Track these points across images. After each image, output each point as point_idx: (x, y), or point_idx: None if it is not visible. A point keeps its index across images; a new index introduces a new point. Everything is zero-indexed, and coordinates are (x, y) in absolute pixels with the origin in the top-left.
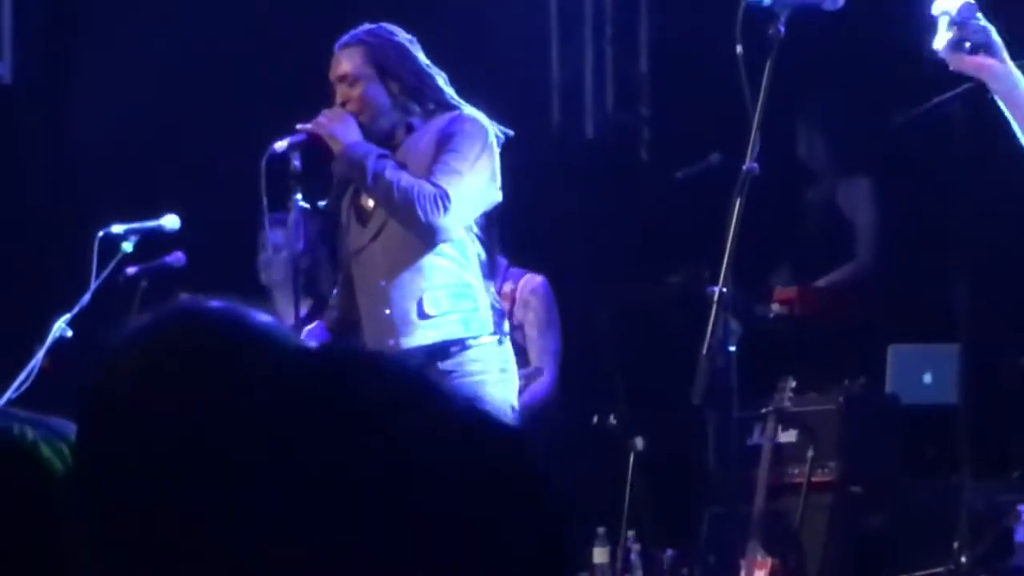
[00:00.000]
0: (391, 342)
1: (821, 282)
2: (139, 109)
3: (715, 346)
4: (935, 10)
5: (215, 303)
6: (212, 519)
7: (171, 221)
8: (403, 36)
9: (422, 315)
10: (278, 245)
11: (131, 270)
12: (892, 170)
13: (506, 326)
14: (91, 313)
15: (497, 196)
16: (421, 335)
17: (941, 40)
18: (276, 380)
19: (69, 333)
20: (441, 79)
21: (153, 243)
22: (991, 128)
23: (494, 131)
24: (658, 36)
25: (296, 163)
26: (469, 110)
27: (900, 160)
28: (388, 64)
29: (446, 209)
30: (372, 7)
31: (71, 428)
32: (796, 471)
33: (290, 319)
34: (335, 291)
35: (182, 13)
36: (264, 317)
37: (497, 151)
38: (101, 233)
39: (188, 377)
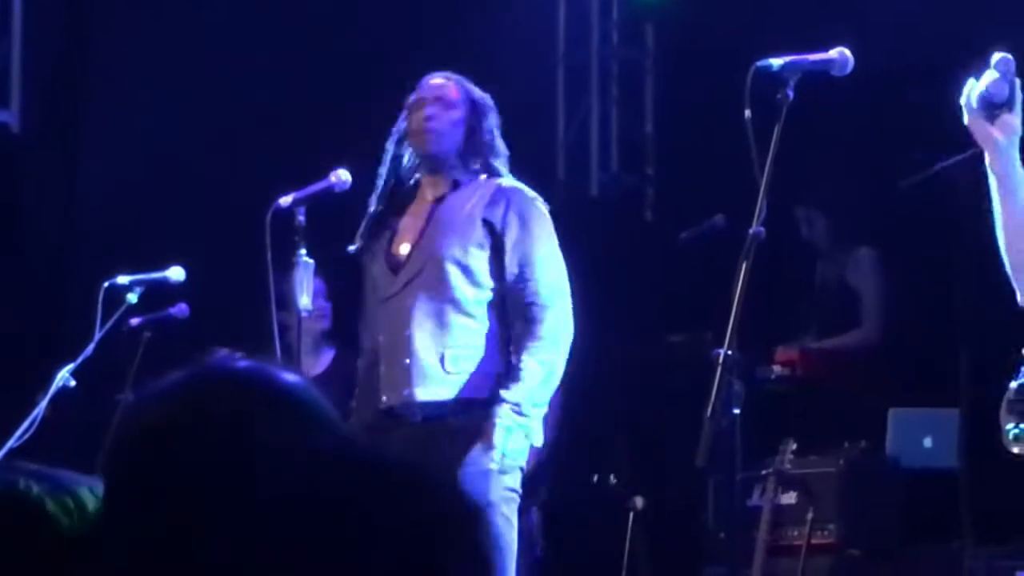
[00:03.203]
0: (405, 392)
1: (823, 344)
2: (146, 160)
3: (719, 408)
4: (993, 60)
5: (244, 363)
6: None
7: (176, 273)
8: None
9: (441, 371)
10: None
11: (135, 321)
12: (895, 236)
13: None
14: (95, 363)
15: None
16: (435, 391)
17: (973, 91)
18: (297, 444)
19: (72, 383)
20: (503, 151)
21: (158, 294)
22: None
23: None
24: (664, 97)
25: (301, 218)
26: (521, 185)
27: (903, 226)
28: (477, 115)
29: (568, 312)
30: (380, 73)
31: (77, 481)
32: (795, 533)
33: (312, 370)
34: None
35: (190, 64)
36: (292, 377)
37: None
38: (106, 283)
39: (212, 437)
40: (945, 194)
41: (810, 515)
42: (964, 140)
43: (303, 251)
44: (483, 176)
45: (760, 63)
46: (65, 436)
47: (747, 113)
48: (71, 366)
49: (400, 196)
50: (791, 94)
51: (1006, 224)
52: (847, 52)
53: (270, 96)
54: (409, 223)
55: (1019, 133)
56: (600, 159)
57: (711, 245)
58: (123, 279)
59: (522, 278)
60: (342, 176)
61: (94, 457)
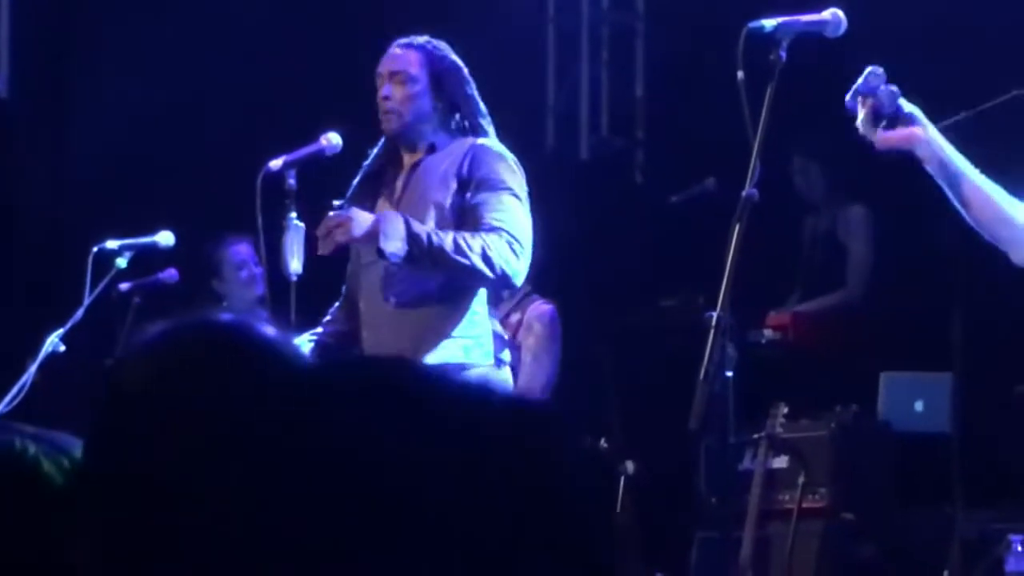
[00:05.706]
0: None
1: (806, 306)
2: (135, 125)
3: (712, 371)
4: (850, 96)
5: (225, 317)
6: (218, 533)
7: (165, 238)
8: (457, 58)
9: (426, 338)
10: (244, 262)
11: (124, 286)
12: (885, 197)
13: (506, 355)
14: (84, 328)
15: None
16: (422, 356)
17: (861, 119)
18: (282, 394)
19: (62, 348)
20: (483, 111)
21: (147, 259)
22: (987, 156)
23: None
24: (654, 60)
25: (291, 181)
26: (494, 142)
27: (894, 187)
28: (444, 78)
29: (517, 254)
30: (369, 35)
31: (73, 443)
32: (787, 497)
33: None
34: (335, 305)
35: (180, 30)
36: (271, 331)
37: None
38: (96, 248)
39: (197, 390)
40: None
41: (802, 479)
42: (962, 102)
43: (294, 214)
44: (465, 137)
45: (752, 24)
46: (55, 401)
47: (740, 75)
48: (60, 331)
49: (387, 162)
50: (784, 55)
51: (970, 204)
52: (840, 13)
53: (260, 59)
54: (389, 190)
55: (922, 115)
56: (590, 122)
57: (702, 208)
58: (112, 244)
59: (486, 206)
60: (332, 140)
61: (84, 422)
